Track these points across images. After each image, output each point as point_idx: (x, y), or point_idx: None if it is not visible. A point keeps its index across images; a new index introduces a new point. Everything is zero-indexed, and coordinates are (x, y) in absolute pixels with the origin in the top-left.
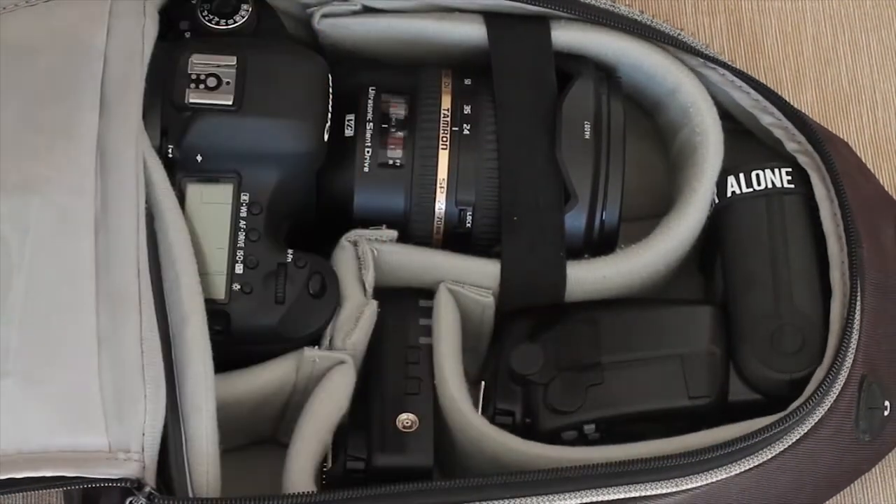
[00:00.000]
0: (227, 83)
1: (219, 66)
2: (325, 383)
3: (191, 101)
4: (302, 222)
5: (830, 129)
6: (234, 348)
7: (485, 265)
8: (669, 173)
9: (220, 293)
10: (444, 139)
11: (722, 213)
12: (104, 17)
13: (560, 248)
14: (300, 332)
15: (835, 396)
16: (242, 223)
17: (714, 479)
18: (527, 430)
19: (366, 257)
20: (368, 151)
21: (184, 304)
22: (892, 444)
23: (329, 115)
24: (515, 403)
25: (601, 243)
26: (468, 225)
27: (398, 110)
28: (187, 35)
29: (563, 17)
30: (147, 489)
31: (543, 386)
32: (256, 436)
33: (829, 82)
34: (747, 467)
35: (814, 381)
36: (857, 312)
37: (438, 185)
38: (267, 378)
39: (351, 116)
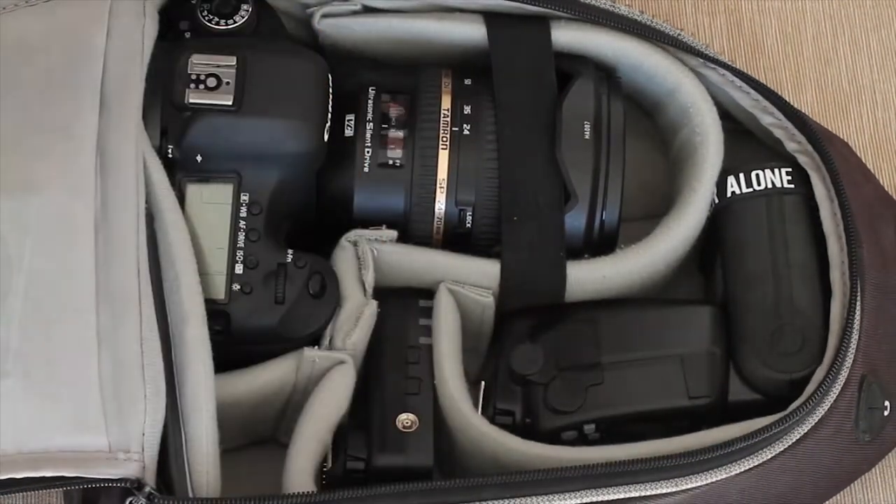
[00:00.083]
0: (227, 83)
1: (219, 66)
2: (325, 383)
3: (191, 101)
4: (302, 222)
5: (830, 129)
6: (234, 348)
7: (485, 265)
8: (669, 173)
9: (219, 293)
10: (444, 139)
11: (722, 213)
12: (104, 17)
13: (560, 248)
14: (300, 332)
15: (835, 396)
16: (242, 223)
17: (714, 479)
18: (527, 430)
19: (366, 257)
20: (368, 151)
21: (184, 304)
22: (892, 444)
23: (329, 115)
24: (515, 403)
25: (601, 243)
26: (468, 225)
27: (398, 110)
28: (187, 35)
29: (563, 17)
30: (147, 489)
31: (543, 386)
32: (256, 436)
33: (829, 82)
34: (747, 467)
35: (814, 381)
36: (857, 312)
37: (438, 185)
38: (267, 378)
39: (351, 116)
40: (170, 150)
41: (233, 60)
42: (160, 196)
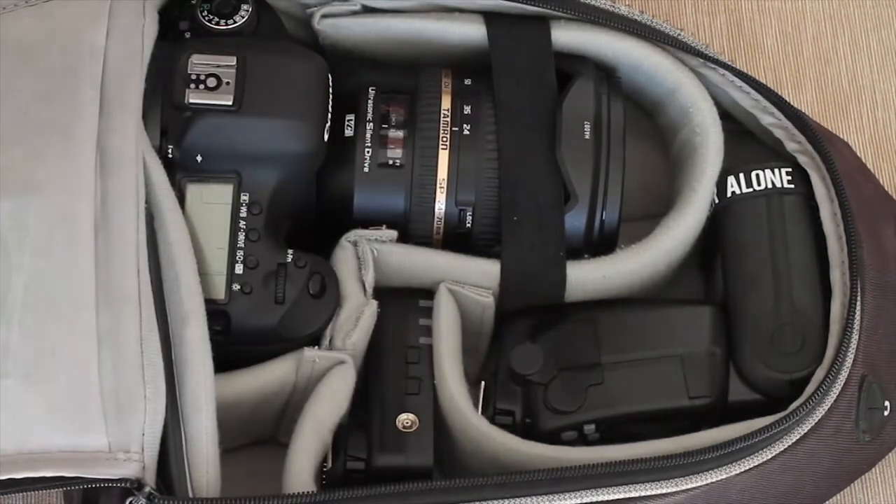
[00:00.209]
0: (227, 83)
1: (219, 66)
2: (325, 383)
3: (191, 101)
4: (302, 222)
5: (830, 129)
6: (234, 348)
7: (485, 265)
8: (669, 173)
9: (219, 293)
10: (444, 139)
11: (722, 213)
12: (104, 18)
13: (560, 248)
14: (300, 333)
15: (835, 396)
16: (242, 223)
17: (714, 479)
18: (527, 430)
19: (366, 257)
20: (368, 151)
21: (184, 305)
22: (892, 444)
23: (329, 115)
24: (515, 403)
25: (601, 243)
26: (468, 225)
27: (398, 110)
28: (187, 35)
29: (563, 18)
30: (147, 489)
31: (543, 386)
32: (256, 436)
33: (829, 82)
34: (747, 467)
35: (814, 381)
36: (858, 312)
37: (438, 185)
38: (267, 378)
39: (351, 116)
40: (170, 150)
41: (233, 60)
42: (160, 196)
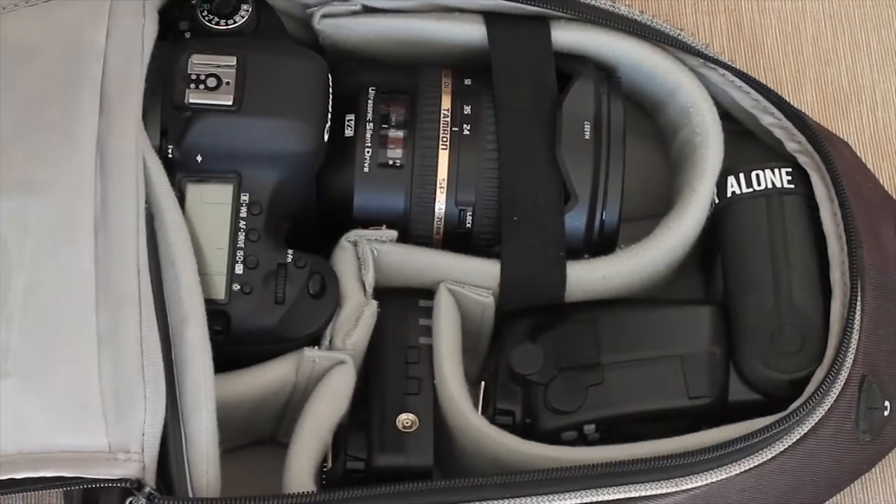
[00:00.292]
0: (227, 83)
1: (219, 66)
2: (325, 383)
3: (191, 101)
4: (302, 222)
5: (830, 129)
6: (234, 348)
7: (485, 265)
8: (669, 173)
9: (219, 293)
10: (444, 139)
11: (722, 213)
12: (104, 17)
13: (560, 248)
14: (300, 333)
15: (835, 396)
16: (242, 223)
17: (714, 479)
18: (527, 431)
19: (366, 257)
20: (368, 151)
21: (184, 305)
22: (892, 444)
23: (329, 115)
24: (515, 403)
25: (601, 243)
26: (468, 225)
27: (398, 110)
28: (187, 35)
29: (563, 18)
30: (147, 489)
31: (543, 386)
32: (256, 436)
33: (829, 82)
34: (747, 467)
35: (814, 381)
36: (858, 312)
37: (438, 185)
38: (267, 378)
39: (351, 116)
40: (170, 150)
41: (233, 60)
42: (160, 196)
